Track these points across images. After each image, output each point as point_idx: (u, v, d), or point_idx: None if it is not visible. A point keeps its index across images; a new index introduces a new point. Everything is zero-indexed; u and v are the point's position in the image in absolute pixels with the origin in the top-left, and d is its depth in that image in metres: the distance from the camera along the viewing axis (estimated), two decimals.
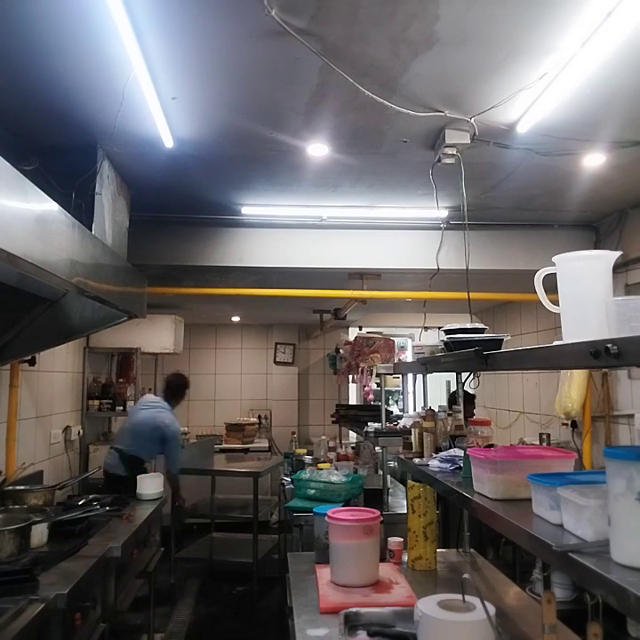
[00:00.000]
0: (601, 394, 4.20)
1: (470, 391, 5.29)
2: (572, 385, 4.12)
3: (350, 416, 5.32)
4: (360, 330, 6.80)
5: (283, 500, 4.26)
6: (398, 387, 8.36)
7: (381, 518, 2.41)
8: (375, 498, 3.58)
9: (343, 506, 2.97)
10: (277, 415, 7.76)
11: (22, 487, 3.09)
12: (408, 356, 7.36)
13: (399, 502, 3.74)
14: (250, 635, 4.20)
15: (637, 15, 1.80)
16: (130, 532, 2.80)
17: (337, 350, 6.56)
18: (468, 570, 2.58)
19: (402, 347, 7.74)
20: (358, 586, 2.24)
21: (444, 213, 3.82)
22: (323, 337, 7.83)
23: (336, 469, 3.81)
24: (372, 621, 1.96)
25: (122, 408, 5.24)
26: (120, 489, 3.69)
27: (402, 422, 4.28)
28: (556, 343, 1.30)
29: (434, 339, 3.61)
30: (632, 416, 3.94)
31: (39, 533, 2.42)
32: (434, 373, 2.86)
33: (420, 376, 5.27)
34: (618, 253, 1.39)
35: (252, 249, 4.13)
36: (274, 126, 2.67)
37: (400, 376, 7.35)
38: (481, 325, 2.05)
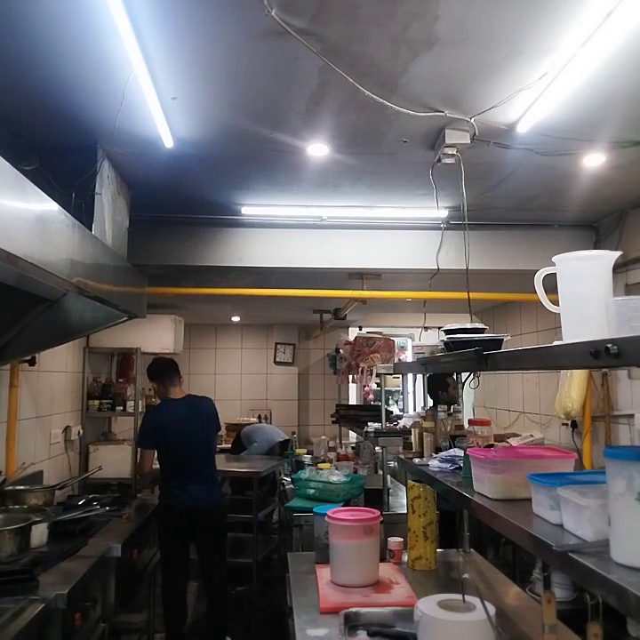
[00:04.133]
0: (601, 394, 4.20)
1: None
2: (572, 385, 4.12)
3: (350, 416, 5.32)
4: (360, 330, 6.79)
5: (283, 500, 4.25)
6: (398, 387, 8.37)
7: (381, 518, 2.41)
8: (375, 498, 3.58)
9: (343, 506, 2.98)
10: (277, 415, 7.75)
11: (22, 487, 3.09)
12: (408, 356, 7.36)
13: (399, 502, 3.74)
14: (250, 635, 4.19)
15: (637, 15, 1.80)
16: (130, 532, 2.80)
17: (337, 350, 6.57)
18: (467, 570, 2.58)
19: (402, 347, 7.75)
20: (358, 586, 2.24)
21: (444, 213, 3.81)
22: (323, 337, 7.83)
23: (336, 469, 3.81)
24: (372, 621, 1.96)
25: (122, 408, 5.22)
26: None
27: (402, 422, 4.30)
28: (555, 343, 1.30)
29: (434, 339, 3.62)
30: (632, 416, 3.94)
31: (39, 533, 2.42)
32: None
33: (420, 376, 5.29)
34: (618, 253, 1.39)
35: (252, 249, 4.13)
36: (274, 126, 2.67)
37: (400, 376, 7.37)
38: (481, 325, 2.05)
